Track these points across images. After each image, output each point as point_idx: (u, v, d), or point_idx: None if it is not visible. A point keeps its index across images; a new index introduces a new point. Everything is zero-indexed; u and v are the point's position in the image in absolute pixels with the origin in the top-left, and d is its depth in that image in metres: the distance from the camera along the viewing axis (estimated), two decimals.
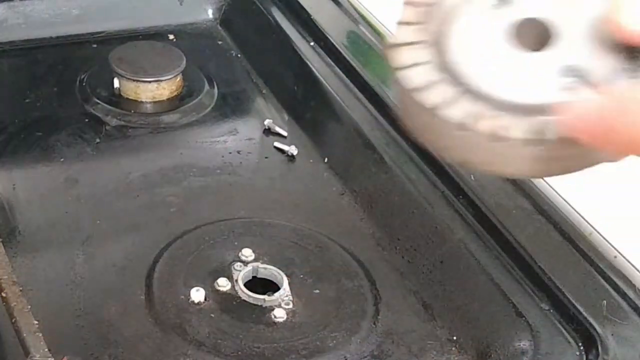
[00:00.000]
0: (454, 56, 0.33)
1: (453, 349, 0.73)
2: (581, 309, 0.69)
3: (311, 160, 0.92)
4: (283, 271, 0.76)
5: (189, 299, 0.74)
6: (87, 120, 0.94)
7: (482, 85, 0.32)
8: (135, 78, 0.95)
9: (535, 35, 0.33)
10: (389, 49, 0.34)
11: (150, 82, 0.96)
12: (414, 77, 0.33)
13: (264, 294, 0.74)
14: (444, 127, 0.32)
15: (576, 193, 0.74)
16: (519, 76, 0.32)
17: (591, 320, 0.68)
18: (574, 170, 0.33)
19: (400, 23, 0.35)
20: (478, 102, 0.32)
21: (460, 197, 0.80)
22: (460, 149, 0.33)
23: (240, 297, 0.74)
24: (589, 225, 0.72)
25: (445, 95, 0.32)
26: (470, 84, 0.33)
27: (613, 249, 0.71)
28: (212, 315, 0.73)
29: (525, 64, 0.33)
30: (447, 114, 0.32)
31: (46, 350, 0.59)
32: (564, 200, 0.74)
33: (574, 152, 0.31)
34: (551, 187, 0.75)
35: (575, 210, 0.74)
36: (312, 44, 0.99)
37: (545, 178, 0.72)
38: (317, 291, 0.76)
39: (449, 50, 0.34)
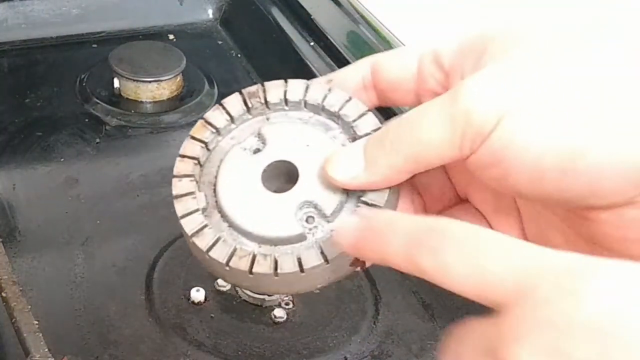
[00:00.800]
0: (222, 197, 0.40)
1: None
2: None
3: None
4: None
5: (189, 299, 0.74)
6: (87, 120, 0.94)
7: (242, 223, 0.39)
8: (135, 78, 0.95)
9: (287, 175, 0.40)
10: (173, 202, 0.41)
11: (150, 82, 0.96)
12: (189, 224, 0.39)
13: (264, 294, 0.74)
14: (215, 264, 0.39)
15: None
16: (269, 213, 0.39)
17: None
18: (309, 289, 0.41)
19: (175, 176, 0.41)
20: (240, 238, 0.39)
21: None
22: (230, 279, 0.39)
23: (240, 297, 0.75)
24: None
25: (212, 238, 0.39)
26: (234, 222, 0.39)
27: None
28: (212, 315, 0.73)
29: (274, 202, 0.39)
30: (213, 255, 0.38)
31: (46, 350, 0.59)
32: None
33: (305, 275, 0.39)
34: None
35: None
36: (312, 44, 0.99)
37: None
38: (317, 291, 0.76)
39: (218, 192, 0.40)
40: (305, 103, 0.41)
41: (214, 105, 0.42)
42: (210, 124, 0.41)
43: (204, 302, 0.74)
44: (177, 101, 0.97)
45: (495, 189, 0.38)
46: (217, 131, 0.41)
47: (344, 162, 0.37)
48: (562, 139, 0.34)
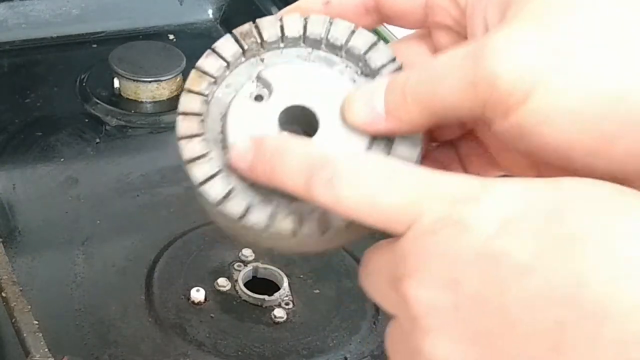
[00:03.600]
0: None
1: None
2: None
3: None
4: (283, 271, 0.76)
5: (189, 299, 0.74)
6: (87, 120, 0.94)
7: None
8: (135, 78, 0.95)
9: (303, 119, 0.36)
10: (186, 166, 0.37)
11: (150, 82, 0.96)
12: (212, 191, 0.36)
13: (264, 294, 0.75)
14: (227, 221, 0.36)
15: None
16: None
17: None
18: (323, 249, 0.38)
19: (182, 137, 0.38)
20: (269, 195, 0.35)
21: None
22: (245, 238, 0.37)
23: (240, 297, 0.75)
24: None
25: (242, 205, 0.35)
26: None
27: None
28: (212, 315, 0.73)
29: None
30: (249, 222, 0.35)
31: (46, 350, 0.59)
32: None
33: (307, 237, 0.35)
34: None
35: None
36: None
37: None
38: (317, 291, 0.76)
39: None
40: (305, 38, 0.38)
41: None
42: (206, 73, 0.38)
43: (204, 302, 0.74)
44: (177, 101, 0.96)
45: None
46: (215, 80, 0.38)
47: (364, 108, 0.35)
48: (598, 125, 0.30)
